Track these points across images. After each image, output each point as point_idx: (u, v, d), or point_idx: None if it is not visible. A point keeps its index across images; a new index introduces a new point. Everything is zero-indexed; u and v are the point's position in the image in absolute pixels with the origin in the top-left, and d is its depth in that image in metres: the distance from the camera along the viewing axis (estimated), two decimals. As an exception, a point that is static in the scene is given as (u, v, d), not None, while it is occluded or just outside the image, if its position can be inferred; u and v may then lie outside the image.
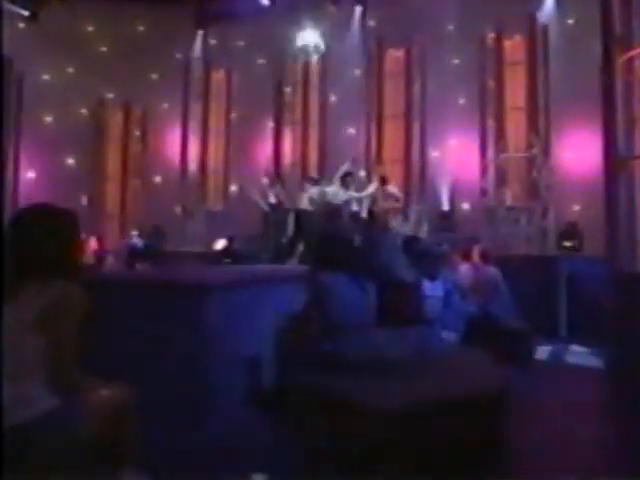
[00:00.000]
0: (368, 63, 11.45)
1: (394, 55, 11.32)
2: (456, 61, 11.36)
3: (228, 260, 9.31)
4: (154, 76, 12.85)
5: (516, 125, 10.06)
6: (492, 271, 5.93)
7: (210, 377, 3.55)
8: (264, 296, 4.09)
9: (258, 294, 4.09)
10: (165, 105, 12.74)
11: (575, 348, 6.21)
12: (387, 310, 3.63)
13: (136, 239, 8.53)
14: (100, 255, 7.53)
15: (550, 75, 9.47)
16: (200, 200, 12.12)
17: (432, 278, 4.37)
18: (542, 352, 5.88)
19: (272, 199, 9.34)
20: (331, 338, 3.17)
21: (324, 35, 11.58)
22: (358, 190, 9.10)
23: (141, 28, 13.30)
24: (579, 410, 3.86)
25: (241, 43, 12.66)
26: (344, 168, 8.76)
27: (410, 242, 4.57)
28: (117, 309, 3.44)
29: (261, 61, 12.57)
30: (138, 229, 11.43)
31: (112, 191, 11.76)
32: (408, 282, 3.71)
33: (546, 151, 9.57)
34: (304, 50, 9.88)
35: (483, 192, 10.43)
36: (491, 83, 10.52)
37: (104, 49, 13.08)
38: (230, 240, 10.06)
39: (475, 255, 6.41)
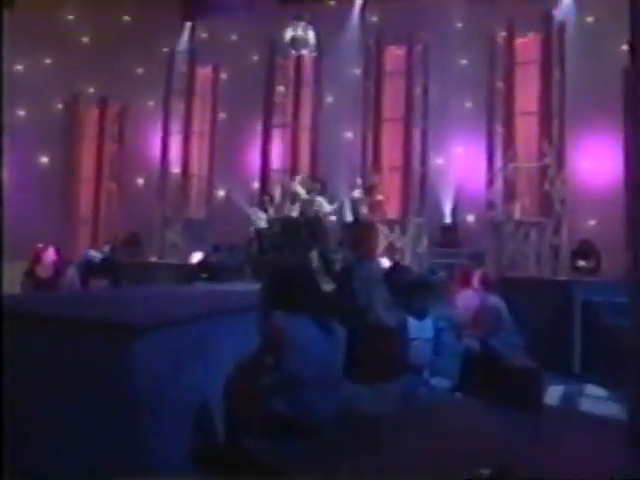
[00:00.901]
0: (366, 61, 10.92)
1: (394, 53, 10.79)
2: (462, 61, 10.89)
3: (205, 275, 8.75)
4: (139, 70, 12.32)
5: (527, 131, 9.49)
6: (494, 300, 5.33)
7: (143, 433, 2.98)
8: (226, 328, 3.53)
9: (217, 327, 3.54)
10: (147, 102, 12.24)
11: (591, 390, 5.61)
12: (361, 360, 3.05)
13: (93, 252, 7.99)
14: (59, 267, 6.94)
15: (566, 77, 8.92)
16: (181, 206, 11.57)
17: (421, 316, 3.78)
18: (553, 394, 5.29)
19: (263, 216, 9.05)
20: (286, 396, 2.61)
21: (321, 30, 11.07)
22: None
23: (126, 18, 12.81)
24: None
25: (232, 37, 12.15)
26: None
27: (395, 272, 3.99)
28: (26, 348, 2.89)
29: (254, 58, 12.04)
30: (112, 237, 10.91)
31: (85, 194, 11.21)
32: (389, 326, 3.12)
33: (560, 160, 9.00)
34: (292, 43, 9.35)
35: (490, 204, 9.88)
36: (500, 85, 9.96)
37: (85, 40, 12.58)
38: (210, 252, 9.52)
39: (475, 281, 5.82)
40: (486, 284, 5.61)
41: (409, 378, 3.46)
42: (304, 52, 9.72)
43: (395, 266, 4.37)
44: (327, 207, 8.40)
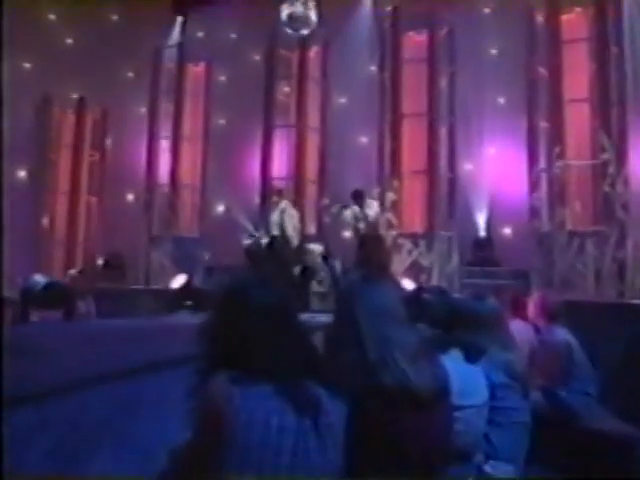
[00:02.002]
0: (381, 49, 9.89)
1: (414, 40, 9.73)
2: (495, 48, 9.88)
3: (189, 303, 7.69)
4: (129, 74, 11.61)
5: (578, 122, 8.26)
6: (562, 335, 4.08)
7: None
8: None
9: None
10: (133, 106, 11.36)
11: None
12: (372, 457, 1.84)
13: (38, 276, 6.92)
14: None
15: (625, 56, 7.71)
16: (170, 223, 10.57)
17: (467, 366, 2.56)
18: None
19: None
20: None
21: (327, 17, 10.13)
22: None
23: (114, 17, 12.04)
24: None
25: (230, 34, 11.29)
26: None
27: (425, 298, 2.80)
28: None
29: (255, 57, 11.26)
30: (91, 259, 9.94)
31: (61, 210, 10.26)
32: (420, 391, 1.91)
33: (621, 156, 7.74)
34: (289, 22, 8.35)
35: (533, 212, 8.71)
36: (543, 72, 8.79)
37: (69, 41, 11.81)
38: (192, 275, 8.49)
39: (531, 308, 4.57)
40: (549, 312, 4.36)
41: (450, 470, 2.24)
42: (304, 32, 8.69)
43: (423, 289, 3.15)
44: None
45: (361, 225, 7.94)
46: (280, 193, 8.78)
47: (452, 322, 2.91)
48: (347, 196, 9.17)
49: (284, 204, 8.52)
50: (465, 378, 2.58)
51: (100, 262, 10.15)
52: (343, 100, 10.96)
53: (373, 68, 10.83)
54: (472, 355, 2.76)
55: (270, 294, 1.84)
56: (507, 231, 9.71)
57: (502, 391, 2.75)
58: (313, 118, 10.27)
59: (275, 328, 1.80)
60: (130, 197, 11.23)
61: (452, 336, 2.82)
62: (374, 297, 2.30)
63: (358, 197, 8.01)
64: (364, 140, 10.81)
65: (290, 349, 1.79)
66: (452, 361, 2.50)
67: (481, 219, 9.67)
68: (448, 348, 2.69)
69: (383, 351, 2.13)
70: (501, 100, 9.93)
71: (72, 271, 8.08)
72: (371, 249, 7.17)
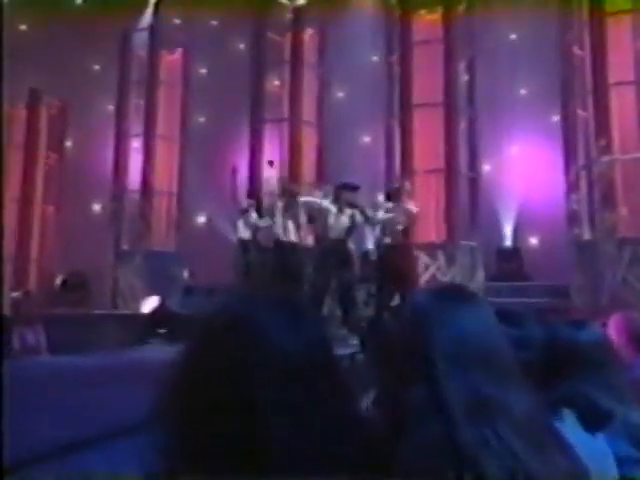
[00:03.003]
0: (388, 30, 9.10)
1: (427, 18, 8.92)
2: (519, 31, 9.12)
3: (163, 330, 6.73)
4: (92, 63, 10.84)
5: (626, 110, 7.41)
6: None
7: None
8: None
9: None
10: (98, 101, 10.49)
11: None
12: None
13: None
14: None
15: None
16: (141, 235, 9.68)
17: (587, 436, 1.61)
18: None
19: (245, 232, 7.77)
20: None
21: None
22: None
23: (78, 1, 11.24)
24: None
25: (210, 17, 10.49)
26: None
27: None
28: None
29: (240, 45, 10.61)
30: (46, 278, 8.95)
31: (11, 222, 9.26)
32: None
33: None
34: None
35: (572, 218, 7.85)
36: (579, 53, 7.99)
37: (23, 28, 10.95)
38: (165, 298, 7.56)
39: (613, 332, 3.63)
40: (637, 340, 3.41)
41: None
42: (301, 2, 7.86)
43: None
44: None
45: (368, 232, 6.96)
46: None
47: (551, 364, 1.97)
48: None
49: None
50: (589, 458, 1.60)
51: (57, 282, 9.20)
52: (341, 94, 10.25)
53: (375, 58, 10.18)
54: (594, 420, 1.82)
55: (303, 332, 0.91)
56: (536, 240, 9.11)
57: (629, 467, 1.79)
58: (309, 111, 9.47)
59: (310, 395, 0.87)
60: (94, 206, 10.47)
61: (556, 388, 1.88)
62: (463, 328, 1.30)
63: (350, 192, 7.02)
64: (366, 139, 10.15)
65: (338, 433, 0.96)
66: (570, 432, 1.54)
67: (507, 226, 8.92)
68: (559, 409, 1.75)
69: (480, 423, 1.17)
70: (522, 92, 9.34)
71: (15, 294, 7.07)
72: (400, 265, 6.27)
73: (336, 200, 6.45)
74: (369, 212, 6.92)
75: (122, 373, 4.29)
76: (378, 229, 6.71)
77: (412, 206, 6.87)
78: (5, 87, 9.82)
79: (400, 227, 6.50)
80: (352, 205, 6.42)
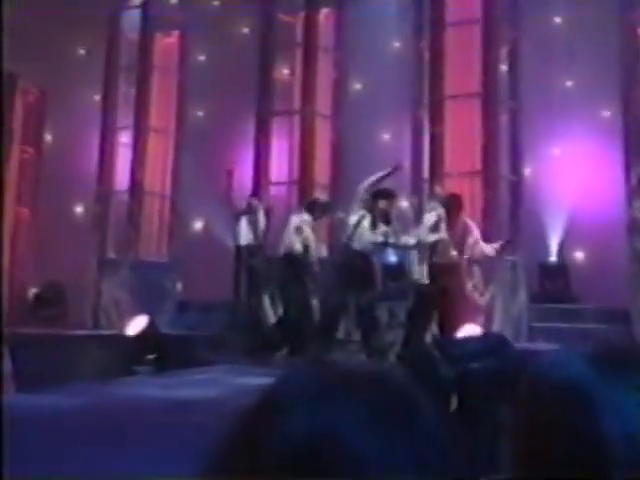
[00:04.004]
0: (417, 8, 8.46)
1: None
2: (568, 12, 8.54)
3: (152, 356, 6.41)
4: (77, 47, 10.35)
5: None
6: None
7: None
8: None
9: None
10: (83, 89, 9.93)
11: None
12: None
13: None
14: None
15: None
16: (129, 243, 9.11)
17: None
18: None
19: (246, 238, 7.40)
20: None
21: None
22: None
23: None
24: None
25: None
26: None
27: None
28: None
29: (244, 30, 10.09)
30: (18, 291, 8.27)
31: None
32: None
33: None
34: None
35: (632, 229, 7.19)
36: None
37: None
38: (153, 318, 6.96)
39: None
40: None
41: None
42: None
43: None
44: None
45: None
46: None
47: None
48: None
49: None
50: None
51: (30, 296, 8.53)
52: (359, 84, 9.63)
53: (398, 44, 9.56)
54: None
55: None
56: (585, 255, 8.40)
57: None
58: (323, 102, 8.80)
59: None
60: (76, 208, 9.89)
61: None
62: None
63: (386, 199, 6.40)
64: (386, 135, 9.52)
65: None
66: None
67: (552, 238, 8.22)
68: None
69: None
70: (568, 83, 8.73)
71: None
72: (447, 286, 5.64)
73: (370, 210, 5.88)
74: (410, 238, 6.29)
75: (105, 421, 3.63)
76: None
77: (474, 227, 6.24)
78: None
79: (453, 251, 5.85)
80: (387, 219, 5.87)
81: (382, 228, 6.26)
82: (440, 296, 5.79)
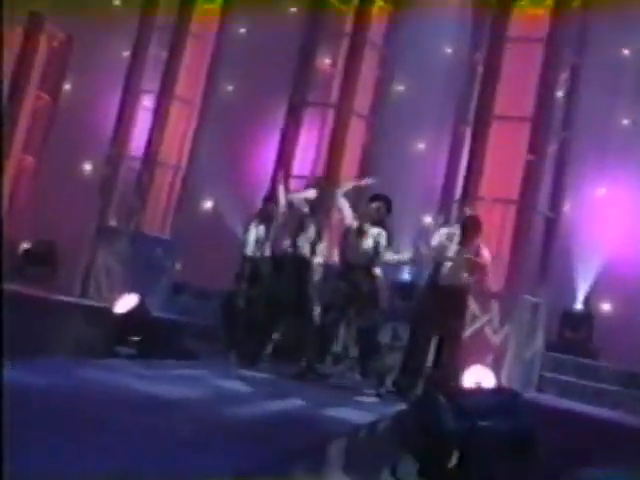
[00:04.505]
0: (477, 20, 8.15)
1: (529, 12, 7.93)
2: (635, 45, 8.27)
3: (137, 338, 6.42)
4: (115, 1, 10.34)
5: None
6: None
7: None
8: None
9: None
10: (113, 43, 9.74)
11: None
12: None
13: None
14: None
15: None
16: (133, 213, 8.88)
17: None
18: None
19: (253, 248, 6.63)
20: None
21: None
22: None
23: None
24: None
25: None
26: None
27: None
28: None
29: (291, 8, 10.10)
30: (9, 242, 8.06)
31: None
32: None
33: None
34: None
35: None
36: None
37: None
38: (144, 297, 6.78)
39: None
40: None
41: None
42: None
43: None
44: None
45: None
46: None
47: None
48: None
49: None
50: None
51: (20, 250, 8.32)
52: (402, 87, 9.36)
53: (450, 50, 9.27)
54: None
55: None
56: (614, 307, 8.16)
57: None
58: (362, 100, 8.46)
59: None
60: (84, 166, 9.71)
61: None
62: None
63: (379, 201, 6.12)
64: (421, 145, 9.25)
65: None
66: None
67: (581, 284, 7.94)
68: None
69: None
70: (629, 120, 8.61)
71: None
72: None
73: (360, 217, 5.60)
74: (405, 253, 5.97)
75: (66, 408, 3.36)
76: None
77: (485, 252, 5.90)
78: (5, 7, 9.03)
79: (464, 273, 5.54)
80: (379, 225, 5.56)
81: (373, 231, 5.87)
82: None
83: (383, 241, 5.74)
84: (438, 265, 5.78)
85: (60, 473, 1.90)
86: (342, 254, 5.95)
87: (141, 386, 4.63)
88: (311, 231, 6.28)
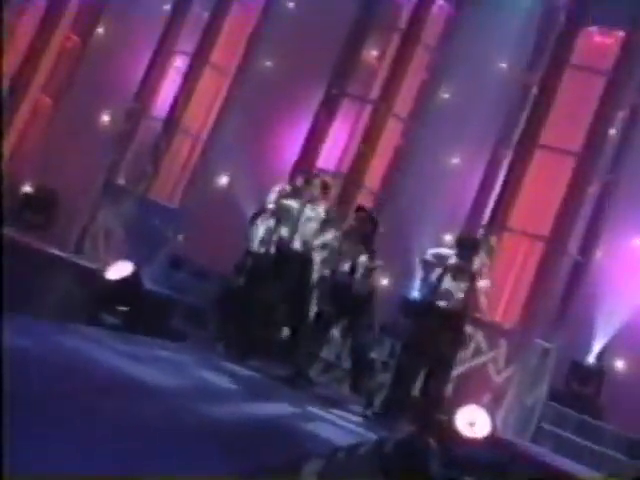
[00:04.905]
0: (539, 40, 7.92)
1: (595, 39, 7.68)
2: None
3: (125, 309, 6.24)
4: None
5: None
6: None
7: None
8: None
9: None
10: None
11: None
12: None
13: None
14: None
15: None
16: (144, 177, 8.75)
17: None
18: None
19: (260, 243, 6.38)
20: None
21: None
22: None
23: None
24: None
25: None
26: None
27: None
28: None
29: None
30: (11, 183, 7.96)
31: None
32: None
33: None
34: None
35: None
36: None
37: None
38: (139, 266, 6.67)
39: None
40: None
41: None
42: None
43: None
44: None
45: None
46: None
47: None
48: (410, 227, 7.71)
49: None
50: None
51: (20, 193, 8.19)
52: (447, 95, 9.09)
53: (504, 65, 8.99)
54: None
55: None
56: (627, 367, 7.85)
57: None
58: (403, 102, 8.24)
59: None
60: (102, 118, 9.47)
61: None
62: None
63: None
64: (456, 160, 9.01)
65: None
66: None
67: (597, 336, 7.70)
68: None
69: None
70: None
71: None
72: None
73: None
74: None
75: (38, 375, 3.20)
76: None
77: (486, 281, 5.69)
78: None
79: (460, 294, 5.31)
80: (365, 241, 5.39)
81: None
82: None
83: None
84: (435, 283, 5.60)
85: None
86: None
87: (118, 363, 4.46)
88: (327, 234, 6.07)
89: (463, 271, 5.53)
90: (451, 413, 5.62)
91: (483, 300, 6.09)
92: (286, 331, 6.44)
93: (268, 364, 6.16)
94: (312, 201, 6.09)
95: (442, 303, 5.47)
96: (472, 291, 5.54)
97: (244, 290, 6.23)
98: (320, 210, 6.06)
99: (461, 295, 5.51)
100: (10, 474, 1.55)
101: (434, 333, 5.43)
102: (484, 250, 6.93)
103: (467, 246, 5.66)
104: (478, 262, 5.74)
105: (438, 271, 5.54)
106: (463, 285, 5.51)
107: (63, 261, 7.42)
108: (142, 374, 4.28)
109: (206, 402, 4.09)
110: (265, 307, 6.26)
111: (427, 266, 5.74)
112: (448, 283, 5.50)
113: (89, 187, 8.67)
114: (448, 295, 5.49)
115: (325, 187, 6.24)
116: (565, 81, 7.48)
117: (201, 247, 8.37)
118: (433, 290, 5.54)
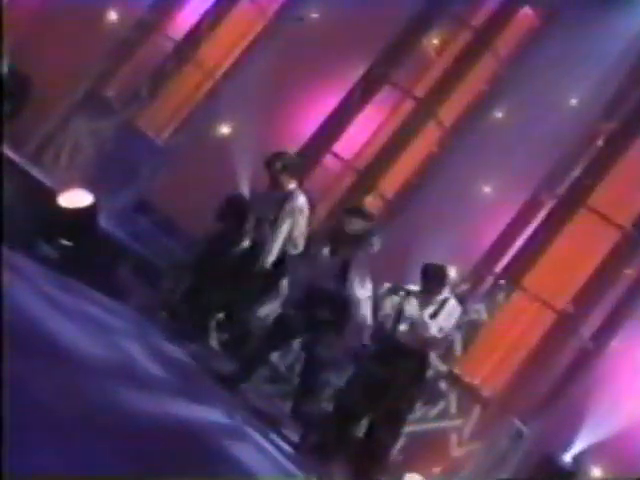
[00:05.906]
0: (621, 91, 7.60)
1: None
2: None
3: (69, 244, 5.97)
4: None
5: None
6: None
7: None
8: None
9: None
10: None
11: None
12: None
13: None
14: None
15: None
16: (136, 99, 8.50)
17: None
18: None
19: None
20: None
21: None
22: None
23: None
24: None
25: None
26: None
27: None
28: None
29: None
30: None
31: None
32: None
33: None
34: None
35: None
36: None
37: None
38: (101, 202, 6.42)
39: None
40: None
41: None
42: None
43: None
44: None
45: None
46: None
47: None
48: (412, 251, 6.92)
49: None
50: None
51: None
52: (500, 114, 8.71)
53: (574, 101, 8.63)
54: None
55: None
56: (604, 474, 7.41)
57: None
58: (451, 108, 7.96)
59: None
60: (111, 16, 8.96)
61: None
62: None
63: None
64: (488, 189, 8.64)
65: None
66: None
67: (583, 437, 7.36)
68: None
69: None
70: None
71: None
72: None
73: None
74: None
75: None
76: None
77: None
78: None
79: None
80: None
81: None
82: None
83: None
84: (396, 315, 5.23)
85: None
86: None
87: (37, 313, 4.09)
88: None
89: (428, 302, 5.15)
90: (393, 477, 5.32)
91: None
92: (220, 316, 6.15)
93: (211, 353, 5.85)
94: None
95: (403, 338, 5.09)
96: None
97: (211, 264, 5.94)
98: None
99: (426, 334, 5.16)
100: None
101: (389, 379, 5.01)
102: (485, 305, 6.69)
103: (432, 276, 5.29)
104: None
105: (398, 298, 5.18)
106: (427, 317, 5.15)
107: (14, 166, 6.93)
108: (60, 333, 3.90)
109: (123, 386, 3.70)
110: (226, 287, 5.94)
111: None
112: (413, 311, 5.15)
113: (70, 87, 8.25)
114: (413, 331, 5.13)
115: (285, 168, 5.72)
116: (638, 143, 7.16)
117: (175, 198, 7.96)
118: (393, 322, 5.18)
